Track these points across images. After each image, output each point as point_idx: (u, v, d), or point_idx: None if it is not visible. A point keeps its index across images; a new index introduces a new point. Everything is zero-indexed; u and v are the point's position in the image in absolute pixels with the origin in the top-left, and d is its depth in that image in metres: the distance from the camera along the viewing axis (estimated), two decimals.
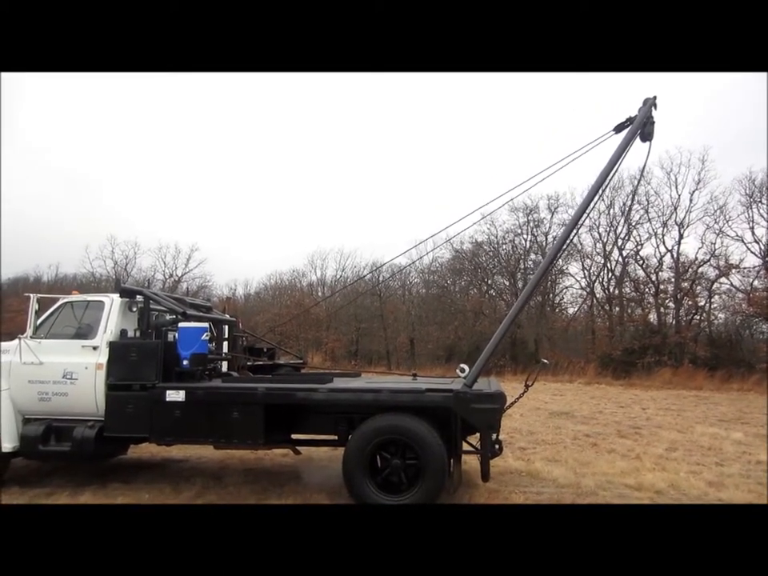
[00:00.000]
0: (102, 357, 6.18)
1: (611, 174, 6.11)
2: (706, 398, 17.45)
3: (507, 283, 29.20)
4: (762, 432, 10.86)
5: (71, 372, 6.18)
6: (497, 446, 5.67)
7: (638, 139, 6.29)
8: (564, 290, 29.23)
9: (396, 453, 5.46)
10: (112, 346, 6.17)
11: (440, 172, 58.01)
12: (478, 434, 5.80)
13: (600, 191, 6.14)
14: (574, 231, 6.66)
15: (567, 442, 9.49)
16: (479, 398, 5.41)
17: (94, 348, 6.26)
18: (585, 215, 6.26)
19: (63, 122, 59.53)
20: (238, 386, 6.02)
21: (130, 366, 6.03)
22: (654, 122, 6.19)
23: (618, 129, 6.32)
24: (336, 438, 6.22)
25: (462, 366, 7.28)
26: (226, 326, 7.68)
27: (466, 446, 6.25)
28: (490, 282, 29.82)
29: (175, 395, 5.85)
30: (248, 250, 58.04)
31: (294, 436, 6.58)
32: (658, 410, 14.08)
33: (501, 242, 28.91)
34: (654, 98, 6.24)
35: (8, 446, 6.18)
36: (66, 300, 6.68)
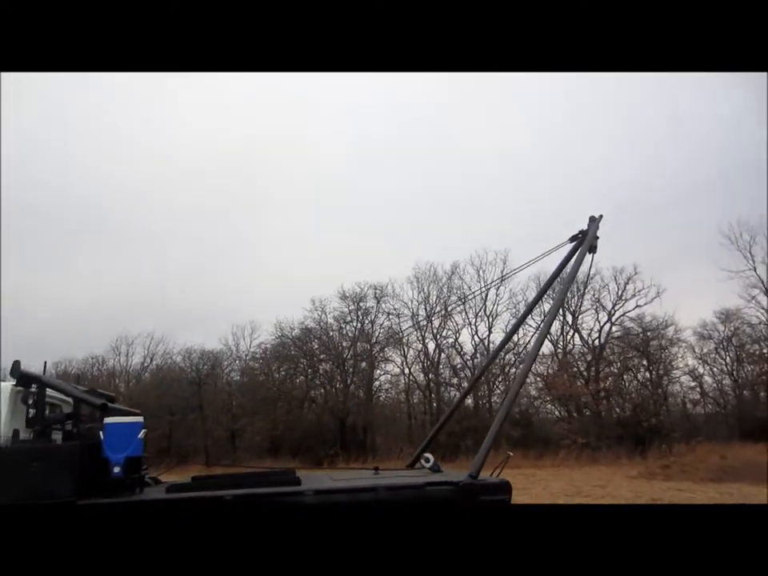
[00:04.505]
0: None
1: (571, 282, 6.92)
2: (531, 475, 19.02)
3: (337, 370, 29.02)
4: (606, 502, 12.16)
5: None
6: None
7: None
8: (382, 375, 30.06)
9: None
10: (2, 453, 4.41)
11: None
12: None
13: (565, 296, 6.90)
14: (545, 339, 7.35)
15: None
16: (487, 488, 5.09)
17: None
18: (551, 323, 6.95)
19: None
20: (198, 496, 4.70)
21: (32, 480, 4.34)
22: (598, 238, 7.10)
23: (572, 239, 7.17)
24: None
25: (426, 455, 6.84)
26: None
27: None
28: (318, 368, 29.33)
29: None
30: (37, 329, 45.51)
31: None
32: None
33: (330, 328, 29.01)
34: (601, 216, 7.23)
35: None
36: None
